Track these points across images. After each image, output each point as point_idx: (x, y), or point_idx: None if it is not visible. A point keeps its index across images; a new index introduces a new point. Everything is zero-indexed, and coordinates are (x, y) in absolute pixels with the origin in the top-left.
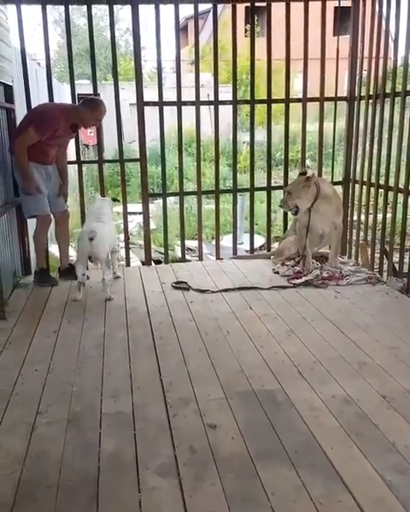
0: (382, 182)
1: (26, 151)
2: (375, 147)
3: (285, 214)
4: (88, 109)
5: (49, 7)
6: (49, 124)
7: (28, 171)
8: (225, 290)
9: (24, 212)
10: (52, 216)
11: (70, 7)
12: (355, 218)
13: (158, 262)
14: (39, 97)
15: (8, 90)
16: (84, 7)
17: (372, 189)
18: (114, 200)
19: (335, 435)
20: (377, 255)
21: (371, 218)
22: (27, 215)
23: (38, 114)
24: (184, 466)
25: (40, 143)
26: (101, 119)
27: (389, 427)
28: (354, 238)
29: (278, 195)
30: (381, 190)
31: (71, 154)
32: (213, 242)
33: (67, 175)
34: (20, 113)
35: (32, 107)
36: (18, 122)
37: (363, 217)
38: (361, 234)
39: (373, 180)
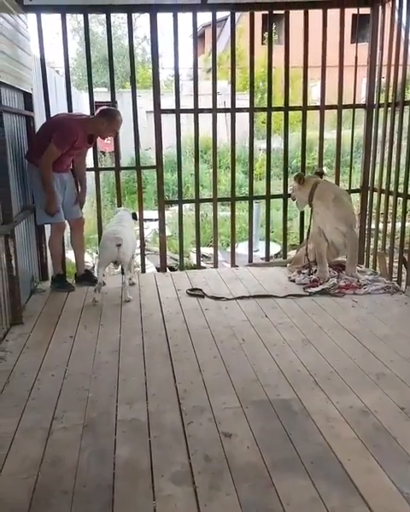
0: (400, 190)
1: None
2: (394, 154)
3: (302, 222)
4: (105, 120)
5: (67, 15)
6: (67, 138)
7: (52, 188)
8: (241, 298)
9: (37, 219)
10: (67, 223)
11: (89, 15)
12: (373, 226)
13: (172, 269)
14: (58, 105)
15: (28, 97)
16: (102, 15)
17: (391, 198)
18: (134, 216)
19: (352, 446)
20: (395, 264)
21: (389, 226)
22: (40, 222)
23: (56, 129)
24: (199, 474)
25: (58, 158)
26: (117, 129)
27: (408, 440)
28: (372, 247)
29: (294, 203)
30: (400, 198)
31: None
32: (229, 249)
33: (86, 183)
34: (39, 120)
35: (51, 114)
36: (37, 129)
37: (381, 225)
38: (379, 242)
39: (392, 188)
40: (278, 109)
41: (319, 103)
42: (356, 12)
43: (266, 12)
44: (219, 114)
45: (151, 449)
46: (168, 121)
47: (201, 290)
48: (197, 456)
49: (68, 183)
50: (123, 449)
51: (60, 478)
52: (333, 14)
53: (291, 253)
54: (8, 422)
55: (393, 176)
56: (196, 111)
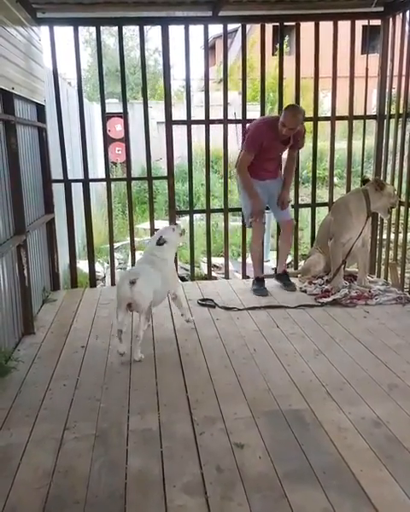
0: None
1: (247, 170)
2: (405, 165)
3: (312, 232)
4: (282, 119)
5: (79, 27)
6: (255, 139)
7: (252, 191)
8: (252, 308)
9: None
10: (279, 224)
11: (101, 27)
12: (385, 236)
13: (183, 279)
14: (70, 116)
15: (41, 109)
16: (114, 27)
17: (402, 208)
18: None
19: (364, 457)
20: (407, 275)
21: (400, 236)
22: (247, 225)
23: (248, 133)
24: (211, 485)
25: (254, 162)
26: (287, 126)
27: None
28: (384, 257)
29: (305, 213)
30: None
31: (100, 171)
32: (239, 260)
33: (288, 185)
34: (52, 132)
35: (63, 126)
36: (50, 141)
37: (392, 235)
38: (391, 253)
39: (403, 198)
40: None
41: (329, 113)
42: (367, 23)
43: (277, 24)
44: (229, 125)
45: (163, 459)
46: (179, 132)
47: (212, 300)
48: (209, 466)
49: (273, 191)
50: (135, 459)
51: (72, 488)
52: (344, 24)
53: (302, 263)
54: (21, 432)
55: (404, 186)
56: (208, 122)
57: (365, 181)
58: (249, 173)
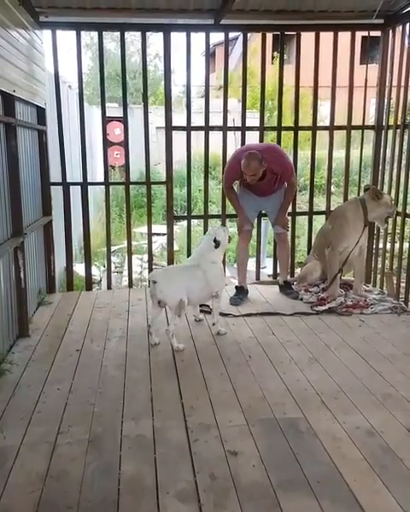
0: (408, 210)
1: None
2: (402, 175)
3: (309, 239)
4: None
5: (82, 32)
6: (226, 177)
7: (237, 204)
8: (248, 315)
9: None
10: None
11: (103, 32)
12: (381, 246)
13: None
14: (70, 119)
15: (41, 112)
16: (116, 32)
17: (398, 218)
18: (216, 244)
19: (358, 467)
20: (402, 284)
21: (396, 246)
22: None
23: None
24: (205, 492)
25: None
26: (247, 174)
27: None
28: (380, 266)
29: (302, 221)
30: (408, 219)
31: (99, 175)
32: (236, 265)
33: (285, 207)
34: (52, 135)
35: (63, 129)
36: (50, 143)
37: (389, 245)
38: (387, 262)
39: (400, 209)
40: (288, 129)
41: (328, 122)
42: (367, 34)
43: (278, 33)
44: (228, 132)
45: (157, 465)
46: (178, 137)
47: (208, 306)
48: (203, 473)
49: (266, 204)
50: (128, 465)
51: (65, 493)
52: (344, 35)
53: (299, 271)
54: (14, 435)
55: (401, 196)
56: (207, 128)
57: (366, 189)
58: (243, 186)
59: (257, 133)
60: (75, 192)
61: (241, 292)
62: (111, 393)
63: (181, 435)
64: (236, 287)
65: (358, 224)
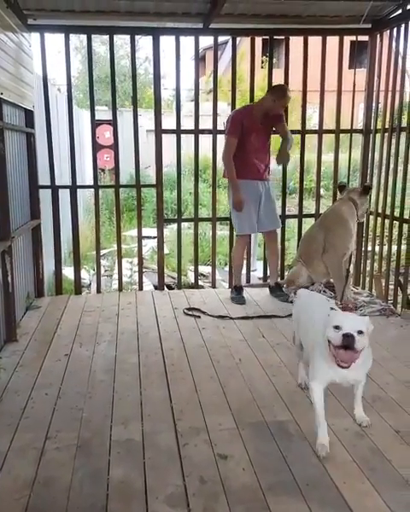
0: (397, 213)
1: (233, 164)
2: (390, 178)
3: (299, 242)
4: (275, 97)
5: (70, 35)
6: (234, 123)
7: (235, 181)
8: (238, 318)
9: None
10: (263, 234)
11: (92, 36)
12: (369, 248)
13: (170, 287)
14: (59, 122)
15: (29, 115)
16: (104, 36)
17: (387, 221)
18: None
19: (347, 469)
20: (391, 287)
21: (385, 248)
22: (236, 232)
23: (227, 122)
24: (194, 496)
25: (242, 154)
26: (286, 105)
27: (403, 463)
28: (368, 269)
29: (292, 223)
30: (395, 222)
31: (88, 178)
32: (226, 268)
33: (288, 142)
34: (40, 138)
35: (52, 132)
36: (38, 147)
37: (377, 248)
38: (375, 265)
39: (388, 212)
40: (278, 132)
41: (316, 126)
42: (355, 39)
43: (267, 37)
44: (218, 135)
45: (146, 470)
46: (167, 140)
47: (198, 310)
48: (192, 477)
49: (265, 195)
50: (117, 470)
51: (53, 499)
52: (332, 39)
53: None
54: (1, 441)
55: (389, 199)
56: (197, 132)
57: (341, 187)
58: (238, 173)
59: None
60: (64, 195)
61: (241, 291)
62: (100, 398)
63: (170, 439)
64: (235, 286)
65: (354, 223)
